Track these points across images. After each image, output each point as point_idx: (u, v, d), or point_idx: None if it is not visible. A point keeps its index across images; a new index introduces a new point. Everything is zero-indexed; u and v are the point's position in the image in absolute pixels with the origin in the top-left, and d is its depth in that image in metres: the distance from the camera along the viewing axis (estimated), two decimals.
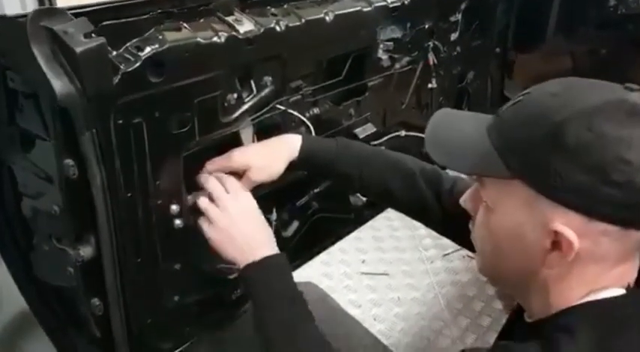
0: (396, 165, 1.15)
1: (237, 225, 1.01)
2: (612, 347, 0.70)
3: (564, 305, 0.76)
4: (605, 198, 0.68)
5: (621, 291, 0.75)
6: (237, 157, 1.08)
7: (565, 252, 0.72)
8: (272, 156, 1.10)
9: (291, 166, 1.12)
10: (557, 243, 0.72)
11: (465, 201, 0.87)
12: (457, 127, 0.86)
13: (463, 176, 1.07)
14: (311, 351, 0.94)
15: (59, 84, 0.80)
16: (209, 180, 1.05)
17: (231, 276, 1.18)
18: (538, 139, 0.72)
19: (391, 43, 1.45)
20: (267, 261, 0.98)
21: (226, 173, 1.08)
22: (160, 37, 0.91)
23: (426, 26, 1.56)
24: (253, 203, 1.05)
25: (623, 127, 0.69)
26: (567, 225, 0.71)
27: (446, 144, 0.86)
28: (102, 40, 0.82)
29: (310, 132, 1.24)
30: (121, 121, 0.89)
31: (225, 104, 1.05)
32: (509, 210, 0.77)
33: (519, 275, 0.80)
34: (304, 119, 1.24)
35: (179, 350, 1.15)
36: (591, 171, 0.68)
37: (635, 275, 0.78)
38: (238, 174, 1.08)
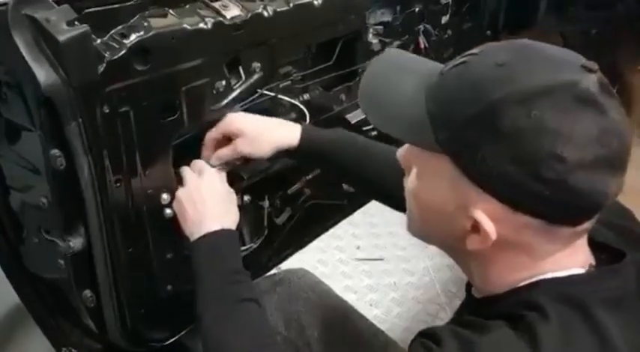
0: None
1: (194, 201, 1.00)
2: (597, 324, 0.66)
3: (508, 284, 0.72)
4: (532, 193, 0.63)
5: (580, 271, 0.71)
6: (234, 121, 1.07)
7: (483, 237, 0.68)
8: (266, 133, 1.08)
9: (289, 155, 1.09)
10: (476, 227, 0.68)
11: (400, 156, 0.81)
12: (397, 81, 0.78)
13: None
14: (229, 333, 0.87)
15: (43, 73, 0.79)
16: (183, 168, 1.05)
17: None
18: (470, 116, 0.65)
19: (381, 27, 1.43)
20: (208, 236, 0.96)
21: (223, 138, 1.07)
22: (145, 23, 0.90)
23: (416, 9, 1.55)
24: (215, 179, 1.04)
25: (566, 117, 0.62)
26: (488, 212, 0.67)
27: (380, 101, 0.78)
28: (85, 27, 0.81)
29: (305, 117, 1.23)
30: (107, 110, 0.88)
31: (214, 91, 1.04)
32: (434, 184, 0.72)
33: (447, 246, 0.78)
34: (298, 104, 1.22)
35: (173, 339, 1.15)
36: (521, 162, 0.63)
37: (587, 256, 0.73)
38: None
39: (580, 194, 0.63)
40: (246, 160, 1.16)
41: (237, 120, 1.07)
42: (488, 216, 0.67)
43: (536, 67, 0.65)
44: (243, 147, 1.05)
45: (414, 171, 0.76)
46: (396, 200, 1.00)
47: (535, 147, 0.62)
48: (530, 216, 0.66)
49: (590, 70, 0.64)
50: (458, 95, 0.68)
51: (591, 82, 0.63)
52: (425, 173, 0.74)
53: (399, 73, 0.79)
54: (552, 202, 0.63)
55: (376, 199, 1.19)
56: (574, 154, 0.61)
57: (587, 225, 0.68)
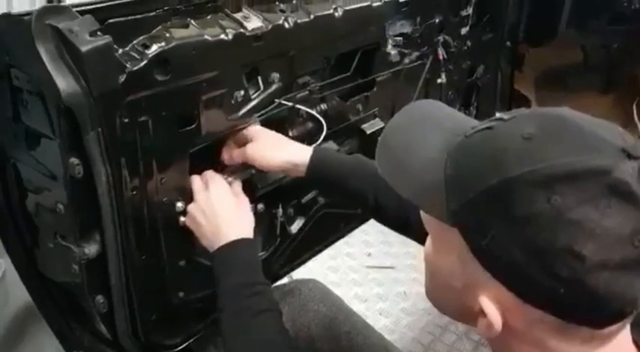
0: None
1: (205, 214, 1.01)
2: None
3: None
4: (544, 288, 0.55)
5: None
6: (256, 127, 1.09)
7: (488, 325, 0.60)
8: (280, 144, 1.09)
9: (302, 177, 1.08)
10: (483, 311, 0.60)
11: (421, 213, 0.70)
12: (421, 134, 0.69)
13: None
14: (244, 348, 0.89)
15: (64, 83, 0.80)
16: (192, 177, 1.05)
17: None
18: (484, 190, 0.57)
19: (400, 38, 1.43)
20: (224, 248, 0.97)
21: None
22: (167, 34, 0.91)
23: (436, 21, 1.55)
24: (222, 189, 1.04)
25: (593, 209, 0.53)
26: (496, 298, 0.59)
27: (399, 154, 0.69)
28: (108, 38, 0.81)
29: (322, 126, 1.23)
30: (126, 120, 0.88)
31: (232, 101, 1.04)
32: (444, 256, 0.65)
33: (461, 321, 0.71)
34: (315, 113, 1.22)
35: (184, 346, 1.15)
36: (533, 252, 0.54)
37: None
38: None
39: (600, 298, 0.54)
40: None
41: (259, 127, 1.10)
42: (497, 303, 0.59)
43: (566, 145, 0.56)
44: (253, 151, 1.06)
45: (430, 235, 0.69)
46: (414, 231, 0.96)
47: (550, 239, 0.53)
48: (543, 312, 0.57)
49: (630, 156, 0.55)
50: (475, 164, 0.60)
51: (629, 170, 0.54)
52: (437, 242, 0.67)
53: (428, 127, 0.70)
54: (566, 302, 0.55)
55: (394, 229, 1.12)
56: (596, 253, 0.53)
57: (616, 327, 0.58)
